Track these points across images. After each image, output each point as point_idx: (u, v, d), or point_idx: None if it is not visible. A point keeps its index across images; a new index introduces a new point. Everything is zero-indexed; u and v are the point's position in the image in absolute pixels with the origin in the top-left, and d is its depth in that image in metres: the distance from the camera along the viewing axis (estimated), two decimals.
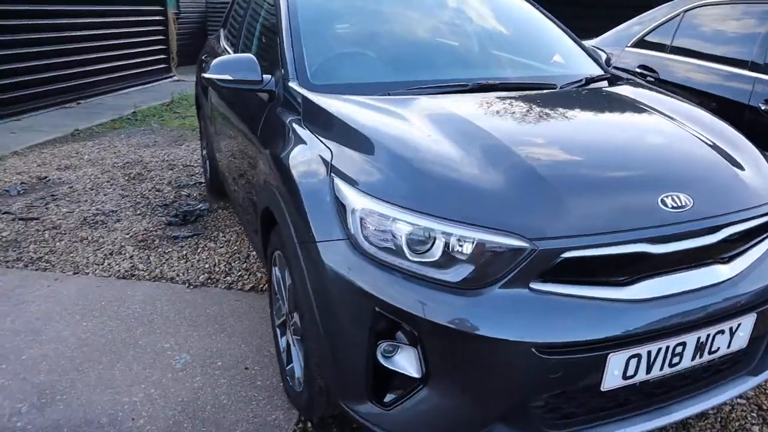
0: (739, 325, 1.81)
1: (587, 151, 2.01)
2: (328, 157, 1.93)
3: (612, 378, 1.66)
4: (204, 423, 2.13)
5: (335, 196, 1.80)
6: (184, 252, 3.51)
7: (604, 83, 2.75)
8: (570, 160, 1.94)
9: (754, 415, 2.27)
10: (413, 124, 2.04)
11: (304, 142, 2.10)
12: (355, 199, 1.74)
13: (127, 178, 4.89)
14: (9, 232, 3.73)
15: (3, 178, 4.81)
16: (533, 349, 1.56)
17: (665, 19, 4.45)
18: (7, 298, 2.93)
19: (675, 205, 1.76)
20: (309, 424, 2.16)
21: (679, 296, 1.72)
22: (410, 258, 1.64)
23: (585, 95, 2.59)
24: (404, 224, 1.65)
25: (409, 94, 2.34)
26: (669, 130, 2.22)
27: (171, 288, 3.09)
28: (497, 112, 2.29)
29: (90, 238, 3.67)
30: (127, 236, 3.71)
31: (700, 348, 1.76)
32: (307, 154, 2.02)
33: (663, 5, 4.56)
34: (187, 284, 3.13)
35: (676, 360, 1.74)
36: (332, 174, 1.86)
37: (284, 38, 2.59)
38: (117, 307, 2.88)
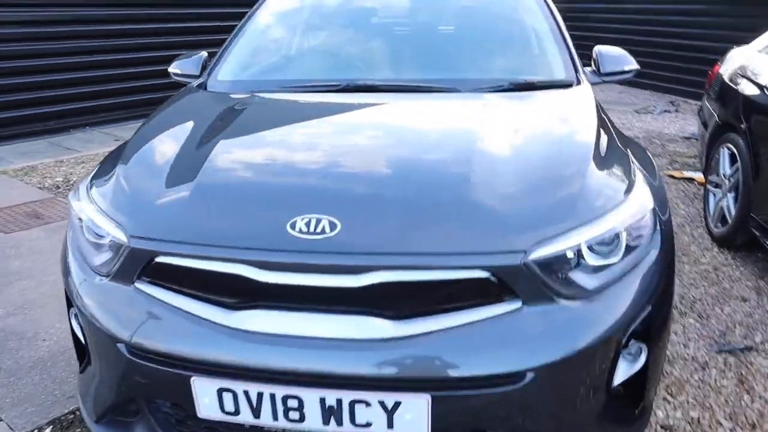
0: (397, 403, 1.42)
1: (274, 160, 1.86)
2: None
3: (206, 406, 1.51)
4: None
5: None
6: None
7: (542, 90, 2.40)
8: (239, 166, 1.82)
9: None
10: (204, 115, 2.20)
11: None
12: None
13: None
14: None
15: None
16: (120, 346, 1.53)
17: None
18: None
19: (305, 230, 1.47)
20: None
21: (295, 339, 1.44)
22: (88, 238, 1.73)
23: (459, 101, 2.29)
24: (81, 212, 1.79)
25: (274, 91, 2.44)
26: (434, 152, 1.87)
27: None
28: (296, 110, 2.30)
29: None
30: None
31: (330, 412, 1.45)
32: None
33: None
34: None
35: (294, 416, 1.48)
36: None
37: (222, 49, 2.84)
38: None
